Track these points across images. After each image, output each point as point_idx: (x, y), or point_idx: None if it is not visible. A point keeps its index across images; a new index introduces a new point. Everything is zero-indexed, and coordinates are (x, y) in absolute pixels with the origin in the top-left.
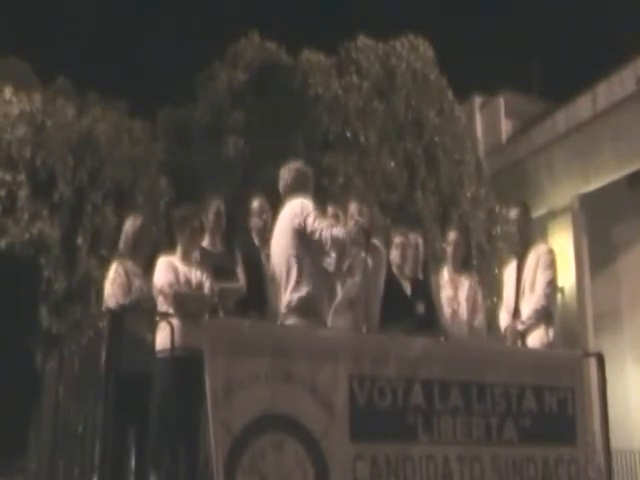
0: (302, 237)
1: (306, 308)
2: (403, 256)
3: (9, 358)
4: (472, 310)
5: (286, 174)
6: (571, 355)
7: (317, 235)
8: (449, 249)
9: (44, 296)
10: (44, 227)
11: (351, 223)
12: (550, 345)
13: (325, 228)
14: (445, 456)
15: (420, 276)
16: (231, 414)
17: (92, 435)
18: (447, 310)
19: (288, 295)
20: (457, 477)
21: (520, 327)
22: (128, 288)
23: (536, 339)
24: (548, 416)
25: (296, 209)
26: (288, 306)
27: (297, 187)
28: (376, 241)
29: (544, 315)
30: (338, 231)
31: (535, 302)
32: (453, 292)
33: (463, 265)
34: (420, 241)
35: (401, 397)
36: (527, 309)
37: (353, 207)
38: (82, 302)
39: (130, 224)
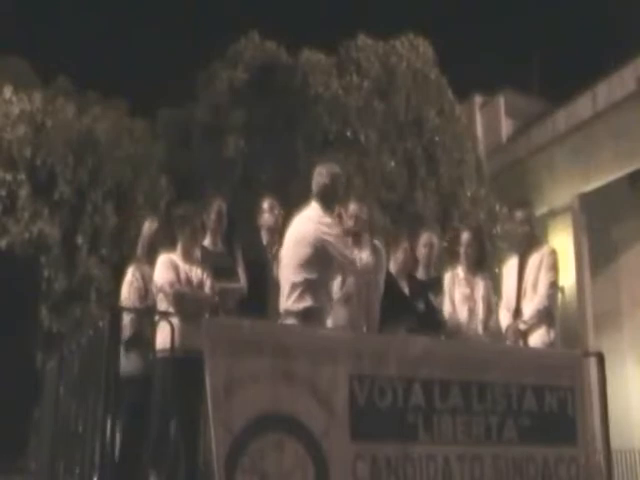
0: (321, 256)
1: (307, 319)
2: (429, 255)
3: (9, 358)
4: (487, 310)
5: (324, 176)
6: (571, 355)
7: (352, 261)
8: (461, 250)
9: (44, 296)
10: (44, 227)
11: (350, 222)
12: (551, 345)
13: (357, 257)
14: (445, 456)
15: (432, 274)
16: (231, 414)
17: (92, 435)
18: (463, 308)
19: (290, 304)
20: (457, 477)
21: (522, 327)
22: (144, 292)
23: (537, 339)
24: (548, 416)
25: (322, 228)
26: (289, 313)
27: (331, 192)
28: (376, 241)
29: (546, 316)
30: (367, 257)
31: (537, 302)
32: (469, 291)
33: (478, 265)
34: (435, 240)
35: (401, 397)
36: (529, 309)
37: (353, 207)
38: (82, 302)
39: (147, 227)
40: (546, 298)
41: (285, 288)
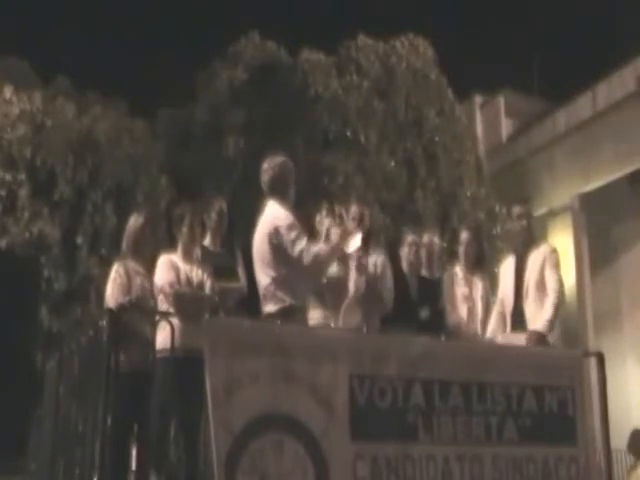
0: (280, 251)
1: (284, 320)
2: (416, 255)
3: (9, 358)
4: (485, 310)
5: (268, 170)
6: (571, 355)
7: (297, 256)
8: (461, 249)
9: (44, 296)
10: (44, 227)
11: (352, 224)
12: (552, 345)
13: (305, 249)
14: (445, 456)
15: (437, 275)
16: (231, 414)
17: (92, 435)
18: (462, 308)
19: (268, 308)
20: (457, 477)
21: (544, 329)
22: (128, 288)
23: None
24: (548, 416)
25: (275, 221)
26: (268, 317)
27: (279, 182)
28: (379, 247)
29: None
30: (318, 249)
31: (552, 301)
32: (468, 290)
33: (476, 265)
34: (436, 240)
35: (401, 397)
36: (541, 320)
37: (354, 210)
38: (82, 302)
39: (132, 222)
40: (559, 295)
41: (260, 293)
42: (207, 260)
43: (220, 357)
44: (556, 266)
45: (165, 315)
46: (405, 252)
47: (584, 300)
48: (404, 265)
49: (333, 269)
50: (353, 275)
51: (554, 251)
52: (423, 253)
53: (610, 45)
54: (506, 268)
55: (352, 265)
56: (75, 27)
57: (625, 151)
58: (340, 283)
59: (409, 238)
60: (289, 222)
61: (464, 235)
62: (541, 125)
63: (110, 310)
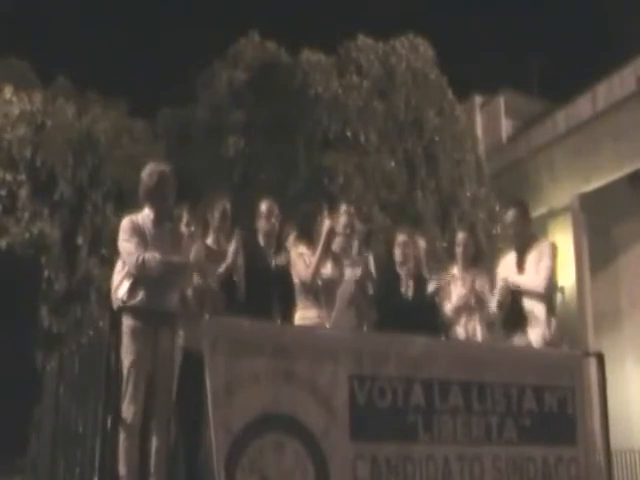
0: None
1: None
2: (405, 254)
3: (9, 358)
4: (484, 309)
5: (146, 177)
6: (571, 355)
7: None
8: (459, 250)
9: (44, 296)
10: (44, 227)
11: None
12: (551, 339)
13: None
14: (445, 456)
15: (426, 276)
16: (231, 414)
17: (92, 435)
18: (461, 307)
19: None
20: (457, 477)
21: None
22: None
23: (538, 335)
24: (548, 416)
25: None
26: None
27: (156, 191)
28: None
29: (547, 302)
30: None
31: (537, 284)
32: (466, 290)
33: (473, 264)
34: (422, 243)
35: (401, 397)
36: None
37: (343, 219)
38: (82, 302)
39: None
40: (544, 281)
41: None
42: (209, 259)
43: (220, 357)
44: (552, 257)
45: (165, 315)
46: (398, 253)
47: (584, 300)
48: (398, 267)
49: (327, 270)
50: (345, 276)
51: (551, 245)
52: (411, 253)
53: (610, 45)
54: (504, 267)
55: (346, 266)
56: (75, 27)
57: (625, 151)
58: (335, 284)
59: (400, 238)
60: (124, 227)
61: (460, 236)
62: (541, 125)
63: (110, 310)
